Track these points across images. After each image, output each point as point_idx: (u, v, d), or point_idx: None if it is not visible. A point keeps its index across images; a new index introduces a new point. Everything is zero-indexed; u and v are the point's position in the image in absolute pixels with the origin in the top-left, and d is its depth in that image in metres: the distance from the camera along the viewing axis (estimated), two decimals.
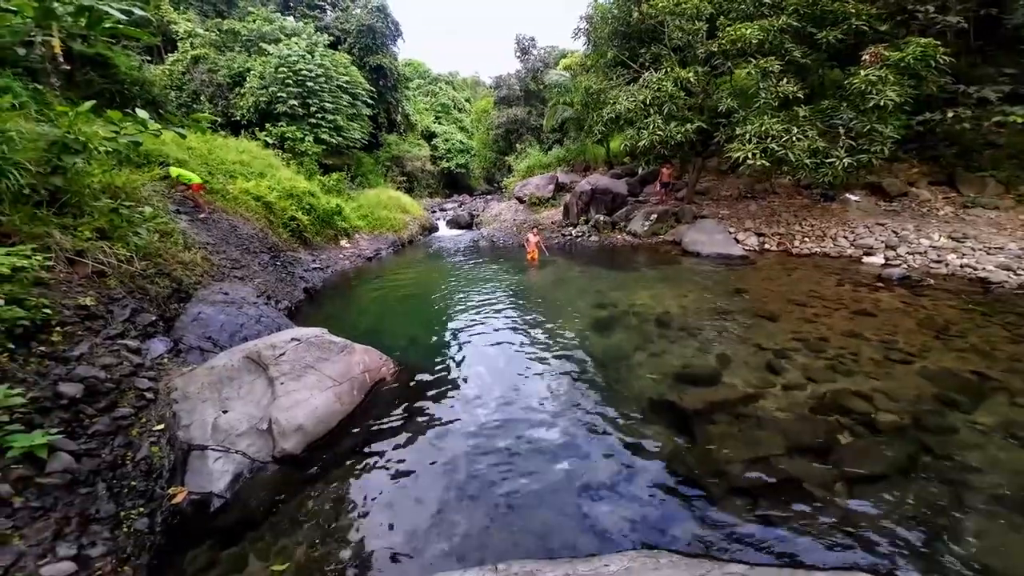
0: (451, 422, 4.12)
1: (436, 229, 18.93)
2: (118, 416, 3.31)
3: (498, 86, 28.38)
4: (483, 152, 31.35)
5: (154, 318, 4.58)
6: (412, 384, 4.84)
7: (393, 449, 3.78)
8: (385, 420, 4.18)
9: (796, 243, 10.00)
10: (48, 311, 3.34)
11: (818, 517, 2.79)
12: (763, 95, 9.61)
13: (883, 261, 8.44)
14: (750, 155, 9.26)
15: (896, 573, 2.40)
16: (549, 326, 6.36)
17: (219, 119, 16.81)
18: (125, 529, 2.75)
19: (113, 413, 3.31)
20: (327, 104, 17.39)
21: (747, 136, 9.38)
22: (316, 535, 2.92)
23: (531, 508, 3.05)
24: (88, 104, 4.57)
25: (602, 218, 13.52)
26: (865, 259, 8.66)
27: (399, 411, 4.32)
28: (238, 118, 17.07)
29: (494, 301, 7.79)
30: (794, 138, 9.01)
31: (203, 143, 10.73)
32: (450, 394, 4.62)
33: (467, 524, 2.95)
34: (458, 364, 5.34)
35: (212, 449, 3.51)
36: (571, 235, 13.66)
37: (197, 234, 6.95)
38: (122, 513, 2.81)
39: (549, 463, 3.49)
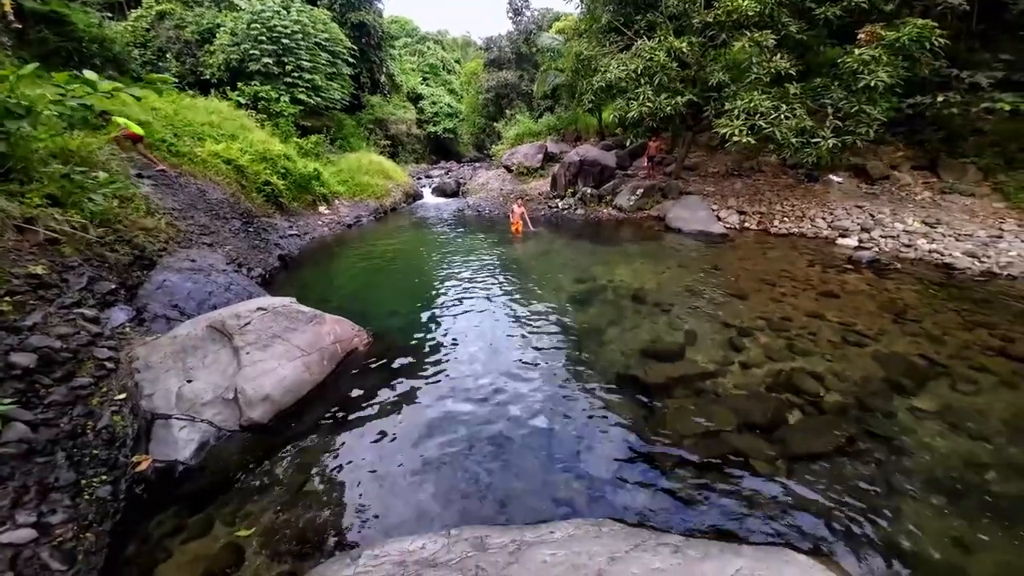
0: (421, 392, 4.20)
1: (421, 197, 18.48)
2: (76, 386, 3.27)
3: (488, 48, 26.99)
4: (472, 117, 30.18)
5: (113, 286, 4.45)
6: (385, 355, 4.87)
7: (362, 418, 3.85)
8: (355, 390, 4.23)
9: (776, 222, 10.08)
10: None
11: (758, 492, 2.95)
12: (755, 70, 9.35)
13: (856, 243, 8.58)
14: (737, 132, 9.11)
15: (822, 550, 2.55)
16: (528, 300, 6.40)
17: (187, 78, 15.71)
18: (87, 497, 2.77)
19: (71, 383, 3.26)
20: (304, 63, 16.33)
21: (736, 112, 9.19)
22: (282, 501, 3.01)
23: (494, 477, 3.17)
24: (31, 66, 4.19)
25: (589, 191, 13.35)
26: (839, 241, 8.79)
27: (370, 381, 4.36)
28: (208, 77, 15.95)
29: (476, 273, 7.77)
30: (782, 116, 8.86)
31: (168, 103, 10.06)
32: (422, 365, 4.67)
33: (431, 491, 3.07)
34: (433, 336, 5.37)
35: (176, 418, 3.52)
36: (557, 207, 13.51)
37: (161, 199, 6.65)
38: (83, 481, 2.83)
39: (514, 433, 3.61)
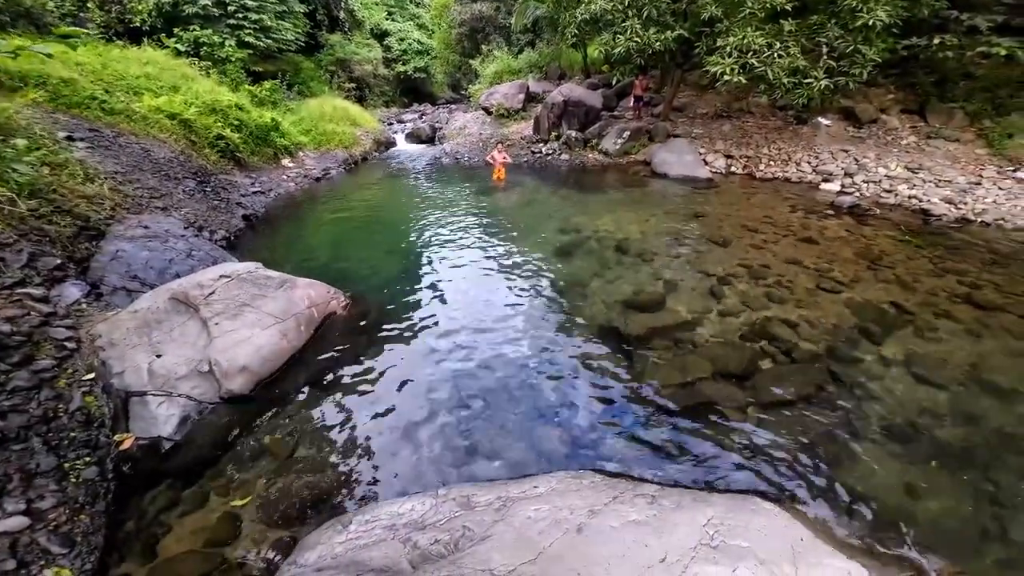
0: (403, 352, 4.18)
1: (393, 144, 17.31)
2: (38, 369, 3.10)
3: None
4: (445, 54, 27.55)
5: (60, 261, 4.11)
6: (365, 316, 4.78)
7: (345, 382, 3.84)
8: (337, 354, 4.17)
9: (761, 167, 9.87)
10: None
11: (730, 441, 3.08)
12: (750, 4, 8.61)
13: (839, 188, 8.52)
14: (728, 70, 8.58)
15: (787, 497, 2.69)
16: (511, 253, 6.27)
17: (114, 27, 13.66)
18: (73, 480, 2.72)
19: (31, 366, 3.09)
20: (248, 2, 14.32)
21: (728, 49, 8.61)
22: (273, 469, 3.04)
23: (478, 434, 3.24)
24: None
25: (574, 134, 12.68)
26: (823, 186, 8.72)
27: (351, 344, 4.30)
28: (138, 24, 13.92)
29: (456, 226, 7.52)
30: (775, 54, 8.35)
31: (94, 56, 8.78)
32: (404, 324, 4.62)
33: (417, 450, 3.13)
34: (414, 294, 5.27)
35: (152, 394, 3.43)
36: (541, 152, 12.86)
37: (100, 163, 6.00)
38: (66, 464, 2.76)
39: (498, 389, 3.66)
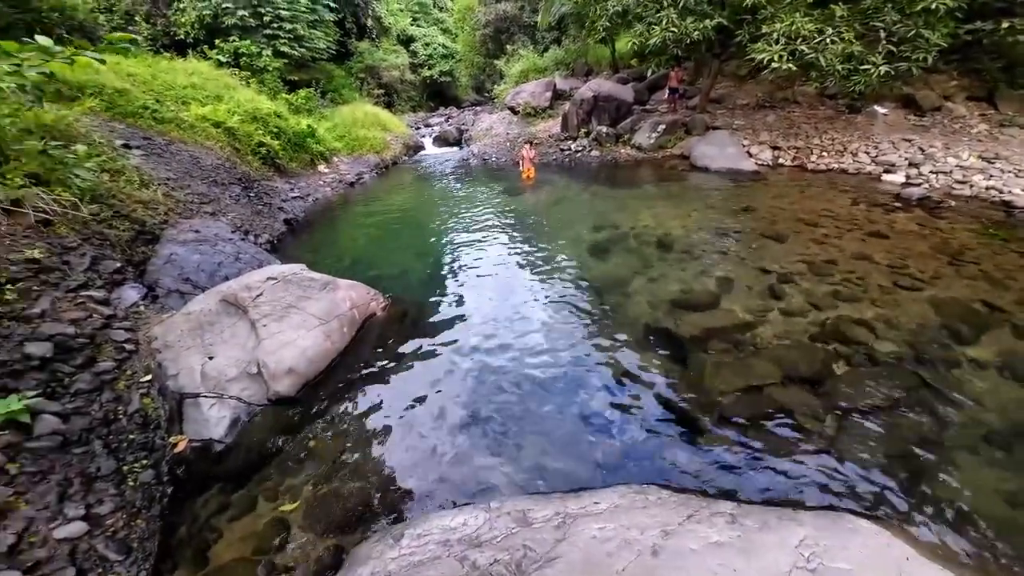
0: (444, 354, 4.08)
1: (422, 148, 17.52)
2: (99, 371, 3.19)
3: None
4: (469, 56, 27.74)
5: (119, 264, 4.27)
6: (404, 317, 4.74)
7: (389, 384, 3.78)
8: (379, 356, 4.13)
9: (813, 158, 9.28)
10: None
11: (807, 451, 2.79)
12: None
13: (904, 180, 7.87)
14: (776, 58, 8.14)
15: (882, 513, 2.42)
16: (545, 252, 6.10)
17: (160, 40, 14.52)
18: (131, 483, 2.75)
19: (93, 368, 3.18)
20: (282, 11, 14.87)
21: (774, 36, 8.17)
22: (321, 473, 2.99)
23: (525, 439, 3.09)
24: None
25: (605, 130, 12.35)
26: (885, 177, 8.08)
27: (393, 346, 4.26)
28: (182, 36, 14.74)
29: (487, 227, 7.42)
30: (827, 40, 7.86)
31: (145, 67, 9.30)
32: (443, 326, 4.53)
33: (463, 456, 3.02)
34: (451, 295, 5.19)
35: (204, 396, 3.48)
36: (570, 150, 12.61)
37: (154, 169, 6.29)
38: (124, 467, 2.80)
39: (544, 394, 3.49)
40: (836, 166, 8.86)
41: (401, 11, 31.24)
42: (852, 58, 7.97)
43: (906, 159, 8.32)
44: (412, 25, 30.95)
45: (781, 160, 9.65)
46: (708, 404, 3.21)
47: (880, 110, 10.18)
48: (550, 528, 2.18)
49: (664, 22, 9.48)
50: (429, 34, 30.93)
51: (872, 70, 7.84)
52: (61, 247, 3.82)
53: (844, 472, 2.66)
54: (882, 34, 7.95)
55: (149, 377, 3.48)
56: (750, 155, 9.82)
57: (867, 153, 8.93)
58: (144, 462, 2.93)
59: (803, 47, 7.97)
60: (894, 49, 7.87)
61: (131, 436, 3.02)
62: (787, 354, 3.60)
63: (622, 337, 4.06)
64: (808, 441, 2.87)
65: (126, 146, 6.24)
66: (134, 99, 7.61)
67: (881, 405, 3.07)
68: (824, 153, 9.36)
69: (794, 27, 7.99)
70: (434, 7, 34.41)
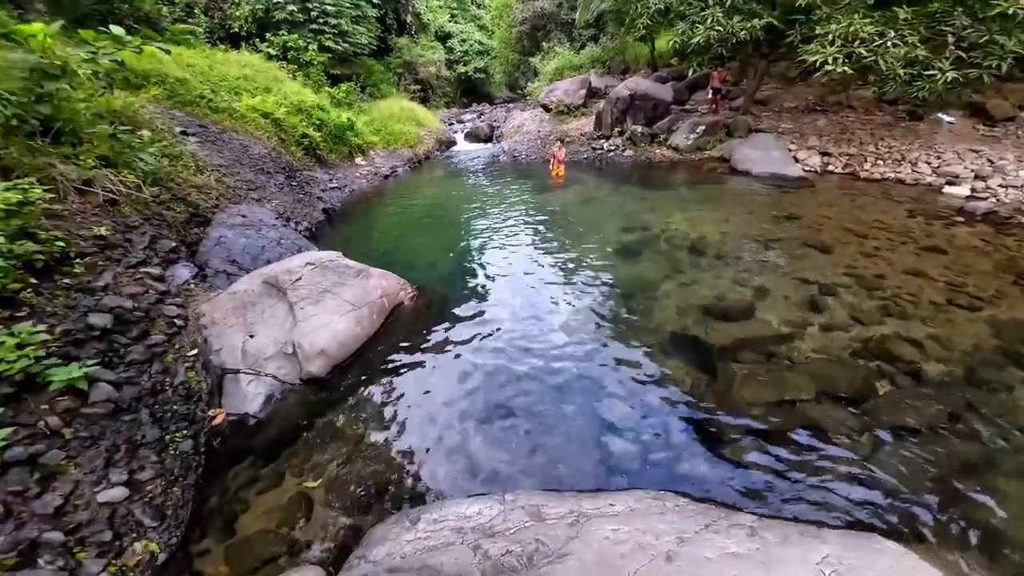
0: (470, 347, 4.15)
1: (454, 143, 17.72)
2: (151, 344, 3.44)
3: None
4: (504, 53, 27.80)
5: (174, 244, 4.59)
6: (431, 308, 4.85)
7: (414, 373, 3.89)
8: (405, 344, 4.25)
9: (867, 166, 8.76)
10: (63, 243, 3.33)
11: (837, 470, 2.67)
12: None
13: (968, 192, 7.34)
14: (830, 60, 7.74)
15: (914, 536, 2.30)
16: (573, 251, 6.07)
17: (216, 32, 15.39)
18: (171, 452, 2.92)
19: (146, 341, 3.43)
20: (328, 7, 15.42)
21: (830, 37, 7.78)
22: (344, 454, 3.11)
23: (544, 436, 3.11)
24: (57, 24, 4.08)
25: (640, 129, 12.08)
26: (947, 189, 7.56)
27: (419, 335, 4.37)
28: (236, 30, 15.56)
29: (516, 223, 7.46)
30: (889, 43, 7.43)
31: (203, 58, 9.88)
32: (469, 319, 4.60)
33: (481, 447, 3.07)
34: (477, 289, 5.26)
35: (244, 372, 3.70)
36: (602, 149, 12.42)
37: (208, 156, 6.70)
38: (167, 437, 2.98)
39: (564, 392, 3.50)
40: (892, 175, 8.35)
41: (440, 7, 31.65)
42: (916, 63, 7.53)
43: (972, 171, 7.74)
44: (450, 22, 31.30)
45: (831, 167, 9.16)
46: (734, 415, 3.12)
47: (945, 118, 9.50)
48: (564, 525, 2.19)
49: (709, 20, 9.20)
50: (466, 31, 31.18)
51: (938, 76, 7.37)
52: (124, 226, 4.15)
53: (876, 492, 2.54)
54: (950, 39, 7.44)
55: (195, 352, 3.73)
56: (796, 160, 9.36)
57: (928, 163, 8.36)
58: (184, 432, 3.11)
59: (861, 50, 7.55)
60: (963, 55, 7.36)
61: (175, 407, 3.21)
62: (825, 369, 3.43)
63: (648, 341, 3.99)
64: (840, 459, 2.74)
65: (184, 133, 6.69)
66: (192, 88, 8.11)
67: (923, 427, 2.90)
68: (879, 161, 8.81)
69: (852, 28, 7.60)
70: (472, 3, 34.67)
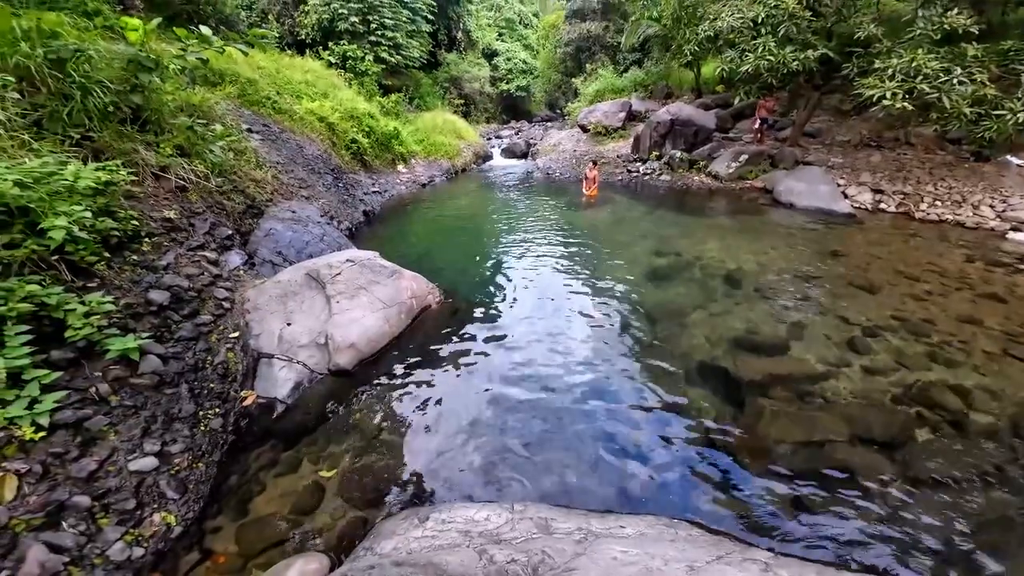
0: (491, 357, 4.20)
1: (490, 158, 18.19)
2: (200, 323, 3.70)
3: None
4: (547, 73, 28.53)
5: (230, 232, 4.95)
6: (457, 314, 4.95)
7: (434, 375, 3.97)
8: (429, 346, 4.35)
9: (923, 206, 8.31)
10: (136, 223, 3.67)
11: (864, 515, 2.54)
12: (921, 25, 7.64)
13: None
14: (889, 94, 7.49)
15: None
16: (601, 270, 6.06)
17: (285, 39, 16.63)
18: (202, 428, 3.06)
19: (195, 320, 3.70)
20: (387, 20, 16.40)
21: (889, 72, 7.57)
22: (360, 446, 3.20)
23: (557, 452, 3.09)
24: (156, 20, 4.58)
25: (679, 154, 11.99)
26: (1011, 234, 7.08)
27: (443, 339, 4.47)
28: (303, 37, 16.78)
29: (545, 239, 7.53)
30: (955, 81, 7.15)
31: (271, 62, 10.74)
32: (492, 329, 4.67)
33: (493, 456, 3.08)
34: (503, 300, 5.34)
35: (278, 358, 3.91)
36: (638, 172, 12.41)
37: (268, 153, 7.21)
38: (200, 413, 3.13)
39: (582, 409, 3.48)
40: (951, 217, 7.88)
41: (489, 26, 32.93)
42: (984, 102, 7.19)
43: None
44: (497, 40, 32.42)
45: (883, 205, 8.75)
46: (758, 451, 3.00)
47: (1015, 161, 8.92)
48: (571, 541, 2.17)
49: (760, 50, 9.10)
50: (512, 49, 32.17)
51: (1008, 116, 6.99)
52: (190, 211, 4.52)
53: (901, 540, 2.40)
54: (1023, 78, 7.05)
55: (236, 334, 3.97)
56: (845, 196, 9.01)
57: (992, 206, 7.85)
58: (216, 410, 3.26)
59: (924, 86, 7.27)
60: None
61: (211, 385, 3.39)
62: (861, 412, 3.27)
63: (673, 368, 3.92)
64: (868, 504, 2.60)
65: (249, 130, 7.25)
66: (260, 89, 8.81)
67: (961, 479, 2.72)
68: (937, 202, 8.35)
69: (915, 64, 7.35)
70: (520, 24, 35.84)
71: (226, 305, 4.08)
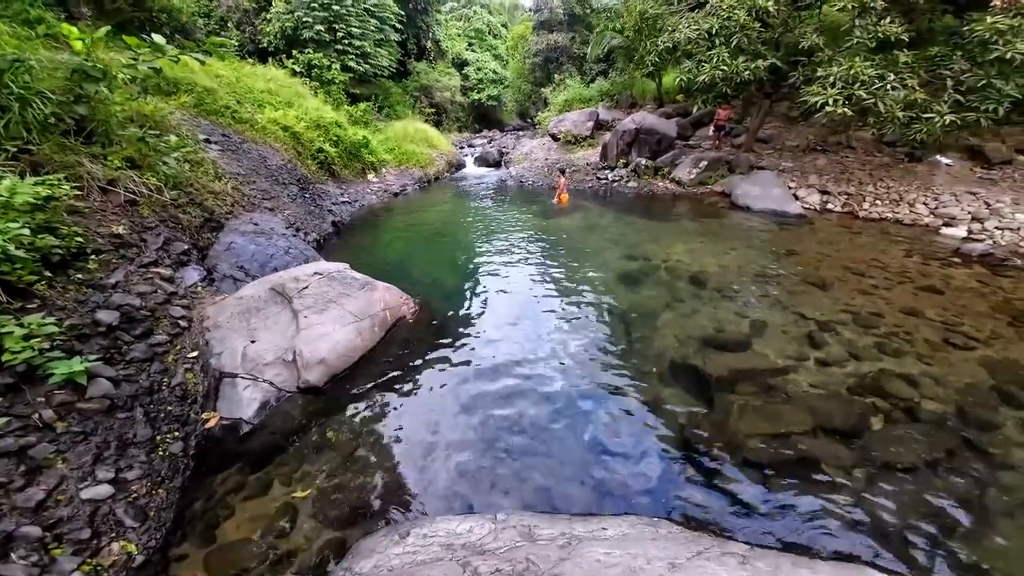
0: (467, 365, 4.16)
1: (463, 166, 18.24)
2: (154, 343, 3.48)
3: (539, 9, 25.45)
4: (517, 83, 29.04)
5: (187, 247, 4.70)
6: (432, 325, 4.89)
7: (410, 388, 3.88)
8: (404, 359, 4.26)
9: (865, 205, 8.97)
10: (81, 239, 3.43)
11: (831, 503, 2.68)
12: (858, 34, 8.22)
13: (964, 234, 7.51)
14: (831, 101, 8.05)
15: (900, 570, 2.30)
16: (573, 276, 6.15)
17: (246, 47, 16.17)
18: (160, 452, 2.89)
19: (149, 340, 3.48)
20: (354, 29, 16.24)
21: (831, 79, 8.13)
22: (335, 465, 3.08)
23: (537, 458, 3.09)
24: (104, 29, 4.35)
25: (644, 162, 12.45)
26: (944, 230, 7.72)
27: (418, 351, 4.39)
28: (265, 45, 16.36)
29: (519, 246, 7.59)
30: (888, 86, 7.75)
31: (231, 70, 10.38)
32: (468, 337, 4.63)
33: (473, 466, 3.04)
34: (478, 308, 5.32)
35: (241, 377, 3.71)
36: (607, 179, 12.77)
37: (227, 164, 6.93)
38: (158, 437, 2.96)
39: (560, 415, 3.50)
40: (890, 215, 8.53)
41: (459, 36, 33.26)
42: (915, 105, 7.78)
43: (969, 213, 7.92)
44: (467, 50, 32.78)
45: (830, 205, 9.39)
46: (730, 446, 3.11)
47: (943, 160, 9.78)
48: (555, 547, 2.16)
49: (715, 60, 9.62)
50: (482, 59, 32.60)
51: (936, 119, 7.59)
52: (141, 226, 4.27)
53: (869, 526, 2.54)
54: (949, 82, 7.72)
55: (195, 354, 3.76)
56: (796, 198, 9.60)
57: (925, 204, 8.56)
58: (176, 434, 3.09)
59: (861, 92, 7.84)
60: (961, 99, 7.62)
61: (169, 408, 3.20)
62: (821, 404, 3.45)
63: (646, 369, 4.02)
64: (833, 492, 2.75)
65: (207, 141, 6.94)
66: (219, 99, 8.47)
67: (918, 463, 2.91)
68: (878, 201, 9.02)
69: (853, 71, 7.92)
70: (489, 34, 36.42)
71: (183, 324, 3.86)
